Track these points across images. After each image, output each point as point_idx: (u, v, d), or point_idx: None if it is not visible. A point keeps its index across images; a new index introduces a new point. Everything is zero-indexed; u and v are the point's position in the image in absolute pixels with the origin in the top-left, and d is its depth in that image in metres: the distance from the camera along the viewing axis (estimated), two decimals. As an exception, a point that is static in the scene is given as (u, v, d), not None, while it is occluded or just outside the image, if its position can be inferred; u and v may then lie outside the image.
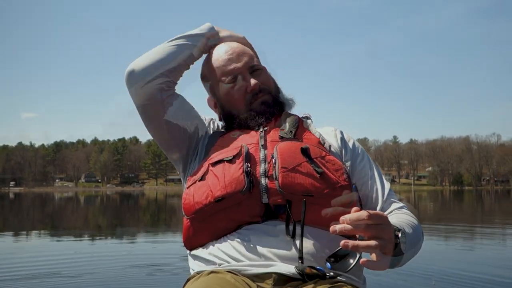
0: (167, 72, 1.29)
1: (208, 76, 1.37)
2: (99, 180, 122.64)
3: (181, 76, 1.35)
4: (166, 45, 1.32)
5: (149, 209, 19.53)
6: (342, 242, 0.88)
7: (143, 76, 1.27)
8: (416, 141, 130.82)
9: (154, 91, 1.28)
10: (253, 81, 1.28)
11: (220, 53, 1.33)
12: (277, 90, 1.36)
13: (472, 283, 3.90)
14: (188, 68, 1.35)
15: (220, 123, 1.41)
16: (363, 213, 0.90)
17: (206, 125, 1.41)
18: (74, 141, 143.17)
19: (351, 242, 0.88)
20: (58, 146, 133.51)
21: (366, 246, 0.89)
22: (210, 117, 1.45)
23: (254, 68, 1.32)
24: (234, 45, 1.35)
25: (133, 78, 1.28)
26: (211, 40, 1.35)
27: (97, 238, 8.03)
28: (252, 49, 1.39)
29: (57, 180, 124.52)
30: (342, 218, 0.90)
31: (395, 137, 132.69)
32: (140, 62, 1.29)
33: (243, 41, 1.38)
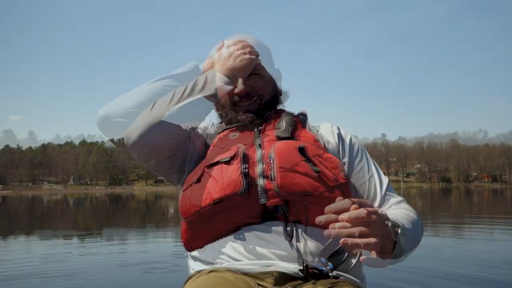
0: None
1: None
2: (88, 182, 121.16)
3: None
4: (162, 108, 1.20)
5: (139, 210, 19.40)
6: (342, 240, 0.87)
7: (144, 143, 1.19)
8: (404, 138, 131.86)
9: (156, 149, 1.22)
10: (240, 86, 1.27)
11: (226, 49, 1.30)
12: (274, 94, 1.34)
13: (464, 275, 3.96)
14: None
15: (216, 115, 1.38)
16: (362, 211, 0.89)
17: (201, 133, 1.37)
18: (62, 143, 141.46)
19: (350, 240, 0.87)
20: (46, 148, 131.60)
21: (366, 244, 0.87)
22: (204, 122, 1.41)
23: (253, 72, 1.30)
24: (239, 43, 1.31)
25: (133, 145, 1.20)
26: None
27: (89, 238, 7.94)
28: (255, 50, 1.33)
29: (45, 183, 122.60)
30: (341, 216, 0.89)
31: (383, 135, 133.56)
32: (139, 129, 1.18)
33: (247, 44, 1.33)
